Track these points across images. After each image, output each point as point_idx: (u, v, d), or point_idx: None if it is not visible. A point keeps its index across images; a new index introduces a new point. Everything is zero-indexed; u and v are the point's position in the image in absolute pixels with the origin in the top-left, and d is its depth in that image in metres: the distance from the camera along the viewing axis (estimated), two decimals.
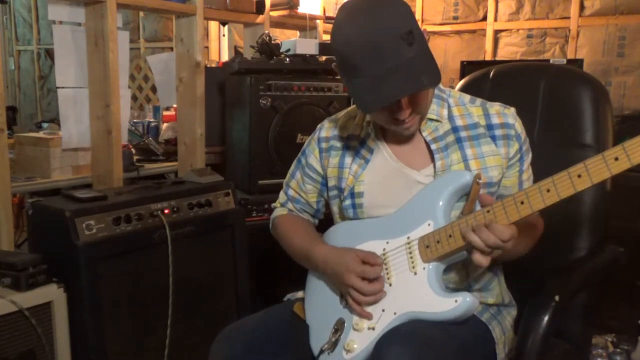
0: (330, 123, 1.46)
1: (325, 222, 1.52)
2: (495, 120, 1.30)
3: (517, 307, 1.41)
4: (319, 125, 1.48)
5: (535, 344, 1.16)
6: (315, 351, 1.30)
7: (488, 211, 1.14)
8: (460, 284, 1.30)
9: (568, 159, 1.51)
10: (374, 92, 1.14)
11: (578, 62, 3.14)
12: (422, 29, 1.23)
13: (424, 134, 1.30)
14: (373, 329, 1.22)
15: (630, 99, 3.30)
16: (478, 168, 1.26)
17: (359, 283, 1.22)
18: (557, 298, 1.20)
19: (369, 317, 1.23)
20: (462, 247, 1.17)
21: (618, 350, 2.37)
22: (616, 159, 1.02)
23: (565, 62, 3.22)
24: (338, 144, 1.41)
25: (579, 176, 1.05)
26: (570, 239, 1.51)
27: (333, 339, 1.27)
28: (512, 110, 1.33)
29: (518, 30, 3.67)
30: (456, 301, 1.15)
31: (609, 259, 1.50)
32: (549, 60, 3.37)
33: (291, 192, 1.53)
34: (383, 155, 1.34)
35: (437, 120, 1.31)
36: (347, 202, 1.36)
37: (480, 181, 1.20)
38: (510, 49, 3.69)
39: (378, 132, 1.36)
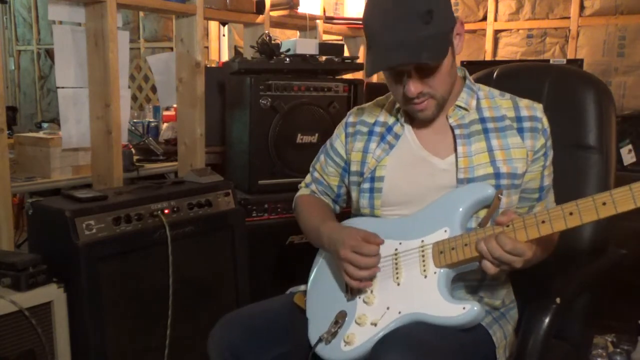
0: (358, 110, 1.49)
1: (343, 217, 1.52)
2: (524, 112, 1.32)
3: (518, 310, 1.41)
4: (348, 112, 1.52)
5: (536, 345, 1.16)
6: (313, 340, 1.30)
7: (508, 226, 1.15)
8: (470, 288, 1.31)
9: (571, 160, 1.52)
10: (379, 58, 1.22)
11: (578, 62, 3.13)
12: (455, 18, 1.27)
13: (450, 120, 1.32)
14: (375, 324, 1.22)
15: (630, 99, 3.30)
16: (503, 159, 1.27)
17: (352, 255, 1.23)
18: (558, 300, 1.20)
19: (368, 286, 1.25)
20: (475, 258, 1.17)
21: (618, 350, 2.37)
22: None
23: (565, 62, 3.22)
24: (364, 129, 1.43)
25: (604, 204, 1.06)
26: (572, 240, 1.51)
27: (333, 330, 1.27)
28: (541, 105, 1.35)
29: (518, 30, 3.67)
30: (464, 308, 1.15)
31: (611, 261, 1.50)
32: (549, 61, 3.37)
33: (315, 174, 1.56)
34: (408, 142, 1.36)
35: (465, 109, 1.33)
36: (366, 185, 1.36)
37: (502, 197, 1.21)
38: (510, 49, 3.69)
39: (407, 120, 1.37)
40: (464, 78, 1.38)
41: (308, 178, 1.59)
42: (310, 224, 1.44)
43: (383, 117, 1.42)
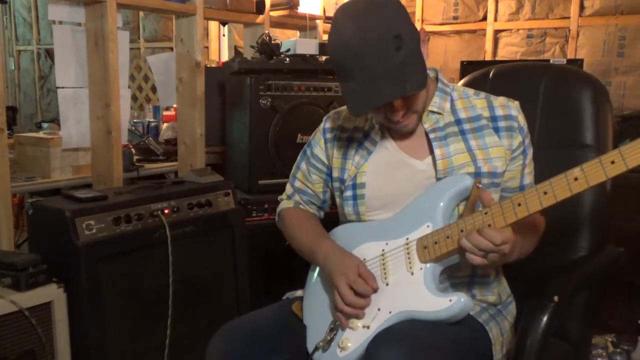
0: (335, 115, 1.48)
1: (329, 218, 1.53)
2: (499, 112, 1.32)
3: (517, 308, 1.41)
4: (324, 117, 1.50)
5: (534, 344, 1.17)
6: (311, 349, 1.31)
7: (486, 213, 1.15)
8: (462, 285, 1.31)
9: (568, 159, 1.52)
10: (361, 95, 1.18)
11: (578, 62, 3.14)
12: (417, 30, 1.23)
13: (425, 125, 1.32)
14: (368, 327, 1.22)
15: (630, 99, 3.30)
16: (483, 158, 1.28)
17: (346, 290, 1.23)
18: (556, 298, 1.20)
19: (343, 323, 1.25)
20: (458, 249, 1.17)
21: (618, 350, 2.37)
22: (612, 162, 1.04)
23: (565, 62, 3.22)
24: (343, 135, 1.43)
25: (576, 179, 1.07)
26: (571, 239, 1.51)
27: (328, 337, 1.27)
28: (516, 103, 1.34)
29: (518, 30, 3.67)
30: (450, 300, 1.16)
31: (609, 259, 1.50)
32: (549, 60, 3.37)
33: (297, 184, 1.53)
34: (386, 147, 1.36)
35: (438, 113, 1.32)
36: (348, 192, 1.36)
37: (480, 186, 1.21)
38: (510, 49, 3.69)
39: (382, 125, 1.37)
40: (437, 79, 1.36)
41: (289, 189, 1.55)
42: (304, 242, 1.43)
43: (360, 122, 1.41)
